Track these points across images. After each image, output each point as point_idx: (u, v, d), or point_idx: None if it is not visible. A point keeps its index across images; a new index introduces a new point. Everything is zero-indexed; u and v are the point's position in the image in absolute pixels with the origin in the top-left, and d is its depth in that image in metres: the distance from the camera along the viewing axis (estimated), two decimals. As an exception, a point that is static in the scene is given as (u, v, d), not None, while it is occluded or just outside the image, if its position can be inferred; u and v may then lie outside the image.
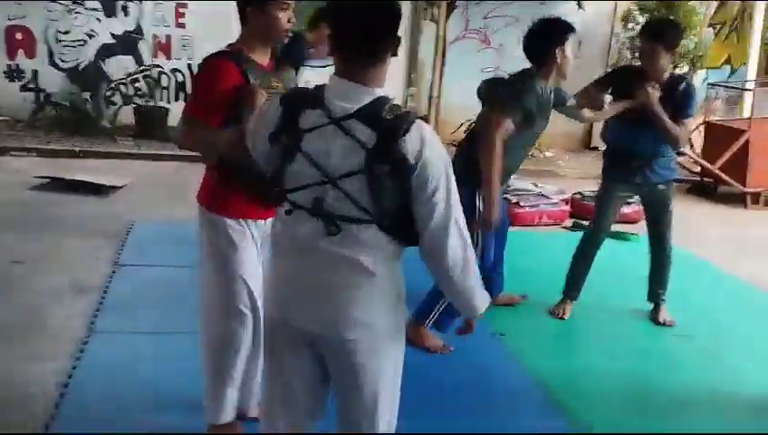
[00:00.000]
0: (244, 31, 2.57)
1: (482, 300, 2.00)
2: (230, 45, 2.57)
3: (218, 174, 2.56)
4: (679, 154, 7.59)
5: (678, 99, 4.01)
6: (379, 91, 1.88)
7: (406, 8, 9.29)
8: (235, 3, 2.56)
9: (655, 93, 3.92)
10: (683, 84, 4.09)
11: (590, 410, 3.33)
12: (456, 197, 1.90)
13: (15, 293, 4.10)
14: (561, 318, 4.32)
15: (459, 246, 1.90)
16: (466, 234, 1.93)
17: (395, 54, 1.92)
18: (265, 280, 2.41)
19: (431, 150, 1.84)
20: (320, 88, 1.91)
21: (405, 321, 2.12)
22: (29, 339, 3.57)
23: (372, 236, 1.88)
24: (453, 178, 1.90)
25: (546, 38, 3.56)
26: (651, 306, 4.40)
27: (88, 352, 3.46)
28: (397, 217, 1.87)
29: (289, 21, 2.52)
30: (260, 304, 2.56)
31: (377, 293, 1.93)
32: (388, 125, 1.81)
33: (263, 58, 2.58)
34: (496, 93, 3.67)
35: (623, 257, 5.21)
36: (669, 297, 4.36)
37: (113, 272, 4.48)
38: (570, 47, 3.58)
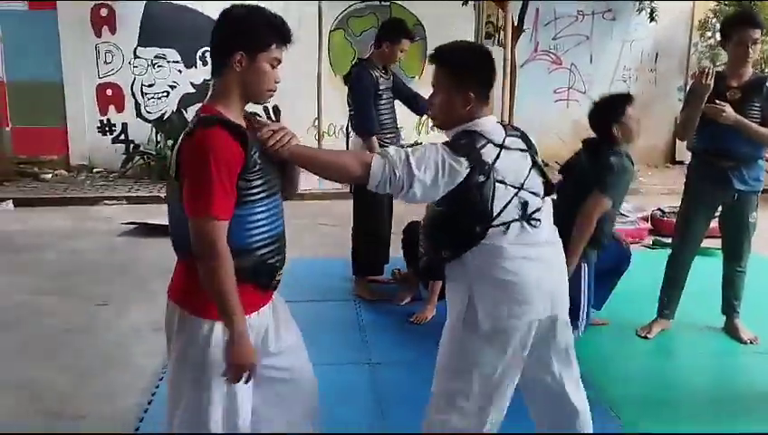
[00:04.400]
0: (220, 83, 2.11)
1: None
2: (204, 107, 2.12)
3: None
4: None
5: (765, 98, 3.85)
6: None
7: (470, 36, 9.34)
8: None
9: (728, 110, 3.75)
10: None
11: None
12: None
13: (99, 333, 4.34)
14: (646, 337, 4.18)
15: None
16: None
17: None
18: (508, 297, 2.32)
19: None
20: (468, 132, 2.31)
21: None
22: (110, 377, 3.76)
23: (545, 210, 2.38)
24: None
25: (604, 116, 3.76)
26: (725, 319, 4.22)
27: (163, 386, 3.58)
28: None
29: (276, 81, 2.17)
30: None
31: None
32: (522, 131, 2.44)
33: (239, 120, 2.12)
34: (603, 179, 3.68)
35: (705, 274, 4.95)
36: (756, 314, 4.14)
37: (190, 310, 4.66)
38: (630, 118, 3.70)
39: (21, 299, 4.86)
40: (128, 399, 3.51)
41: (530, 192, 2.33)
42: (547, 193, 2.42)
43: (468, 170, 2.21)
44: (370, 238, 4.72)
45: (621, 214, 6.59)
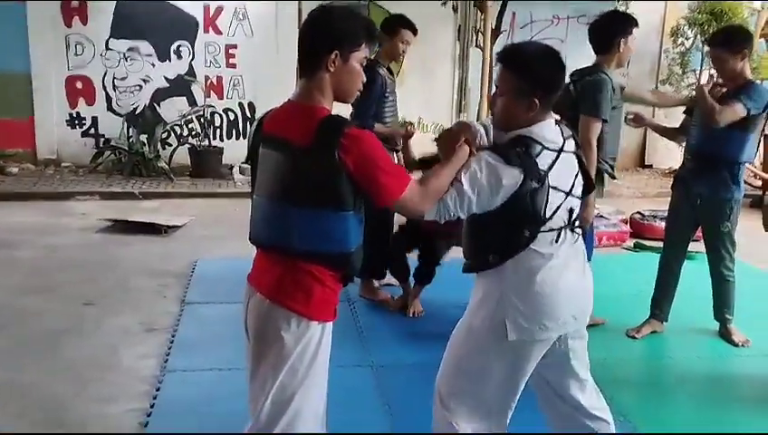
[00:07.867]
0: (312, 84, 2.09)
1: None
2: (318, 108, 2.09)
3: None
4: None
5: (739, 90, 3.86)
6: None
7: (451, 36, 9.37)
8: (299, 46, 2.12)
9: (704, 88, 3.88)
10: (750, 83, 3.93)
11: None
12: None
13: (89, 334, 4.20)
14: (634, 337, 4.23)
15: None
16: None
17: None
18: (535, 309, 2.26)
19: None
20: (523, 138, 2.21)
21: None
22: (105, 380, 3.63)
23: None
24: None
25: (612, 27, 3.87)
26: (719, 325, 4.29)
27: (163, 391, 3.49)
28: None
29: (363, 81, 2.17)
30: None
31: None
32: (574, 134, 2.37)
33: None
34: (587, 100, 3.76)
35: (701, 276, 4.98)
36: (747, 318, 4.22)
37: (181, 310, 4.56)
38: (633, 39, 3.84)
39: (3, 299, 4.68)
40: (127, 403, 3.39)
41: (575, 197, 2.30)
42: (587, 192, 2.39)
43: (522, 178, 2.15)
44: (375, 242, 4.65)
45: (602, 217, 6.71)
